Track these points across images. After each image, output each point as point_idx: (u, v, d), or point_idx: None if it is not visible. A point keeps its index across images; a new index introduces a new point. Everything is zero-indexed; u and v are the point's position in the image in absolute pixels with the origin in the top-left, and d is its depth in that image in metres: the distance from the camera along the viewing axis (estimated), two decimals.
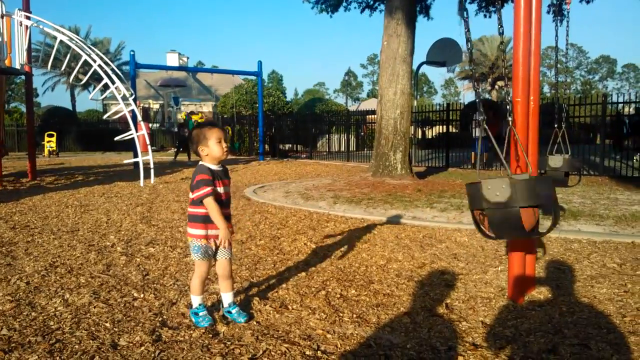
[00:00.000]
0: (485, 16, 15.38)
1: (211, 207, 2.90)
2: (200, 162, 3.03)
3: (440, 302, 3.47)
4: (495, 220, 2.53)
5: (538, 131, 3.56)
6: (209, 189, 2.90)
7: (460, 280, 4.00)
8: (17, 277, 3.99)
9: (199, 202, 2.94)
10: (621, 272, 4.18)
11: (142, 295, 3.58)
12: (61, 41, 11.58)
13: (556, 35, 4.23)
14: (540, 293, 3.64)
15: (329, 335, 2.90)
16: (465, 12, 2.78)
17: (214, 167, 3.01)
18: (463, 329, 3.02)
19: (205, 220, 2.97)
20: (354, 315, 3.22)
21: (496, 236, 2.68)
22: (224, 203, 3.01)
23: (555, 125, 4.64)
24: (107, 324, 3.04)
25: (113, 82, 11.57)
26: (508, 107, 3.03)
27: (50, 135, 24.60)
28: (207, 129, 3.01)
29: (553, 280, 3.95)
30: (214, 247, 3.05)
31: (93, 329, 2.97)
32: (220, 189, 2.99)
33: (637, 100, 12.88)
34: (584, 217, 6.54)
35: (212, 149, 2.98)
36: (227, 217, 3.05)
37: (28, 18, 11.34)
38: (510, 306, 3.38)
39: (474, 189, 2.58)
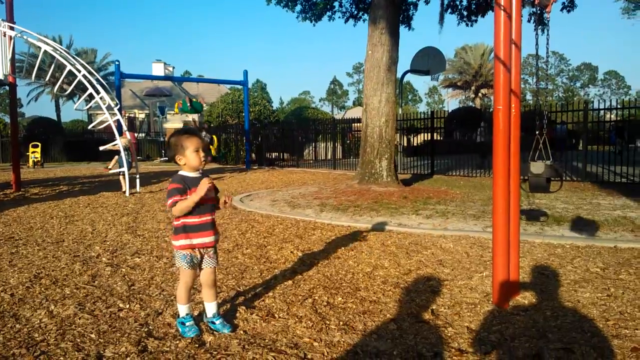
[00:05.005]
0: (467, 25, 15.52)
1: (177, 207, 2.89)
2: (179, 172, 3.03)
3: (426, 309, 3.50)
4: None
5: (519, 138, 3.62)
6: (176, 198, 2.89)
7: (445, 286, 4.03)
8: (1, 289, 3.95)
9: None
10: (604, 277, 4.24)
11: (127, 306, 3.56)
12: (45, 51, 11.52)
13: (536, 44, 4.29)
14: (525, 298, 3.68)
15: (315, 344, 2.90)
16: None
17: (191, 174, 3.00)
18: (449, 334, 3.04)
19: (187, 230, 2.97)
20: (341, 323, 3.23)
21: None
22: (202, 209, 2.98)
23: (537, 132, 4.70)
24: (93, 335, 3.02)
25: (98, 92, 11.50)
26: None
27: (35, 146, 24.28)
28: (185, 138, 2.98)
29: (537, 285, 4.00)
30: (199, 256, 3.04)
31: (78, 340, 2.95)
32: None
33: (619, 107, 13.05)
34: (567, 222, 6.62)
35: (190, 159, 2.96)
36: (212, 224, 3.05)
37: (12, 28, 11.25)
38: (495, 311, 3.41)
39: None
